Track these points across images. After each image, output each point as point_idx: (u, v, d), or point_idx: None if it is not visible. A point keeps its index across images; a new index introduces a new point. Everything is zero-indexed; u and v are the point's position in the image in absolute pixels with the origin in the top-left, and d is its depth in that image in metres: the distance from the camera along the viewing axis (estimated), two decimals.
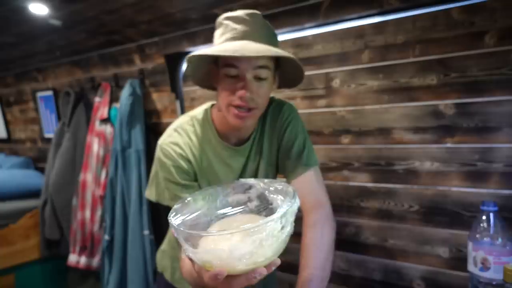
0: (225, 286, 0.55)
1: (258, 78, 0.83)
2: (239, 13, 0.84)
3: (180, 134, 0.95)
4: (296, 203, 0.56)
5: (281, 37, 1.52)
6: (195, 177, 0.95)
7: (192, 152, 0.94)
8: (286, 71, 0.90)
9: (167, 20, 1.66)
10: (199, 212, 0.64)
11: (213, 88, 0.97)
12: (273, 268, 0.55)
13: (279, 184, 0.64)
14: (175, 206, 0.62)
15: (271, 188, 0.65)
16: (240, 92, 0.81)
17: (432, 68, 1.22)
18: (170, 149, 0.92)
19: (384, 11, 1.25)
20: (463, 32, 1.16)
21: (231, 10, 1.06)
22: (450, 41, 1.18)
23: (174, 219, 0.57)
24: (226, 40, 0.83)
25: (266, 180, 0.67)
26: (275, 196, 0.64)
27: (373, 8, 1.25)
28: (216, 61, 0.87)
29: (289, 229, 0.56)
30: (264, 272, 0.54)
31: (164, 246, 1.19)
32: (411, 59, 1.26)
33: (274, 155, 1.02)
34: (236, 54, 0.75)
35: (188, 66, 0.88)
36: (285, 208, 0.54)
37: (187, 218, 0.61)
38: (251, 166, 1.00)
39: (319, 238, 0.94)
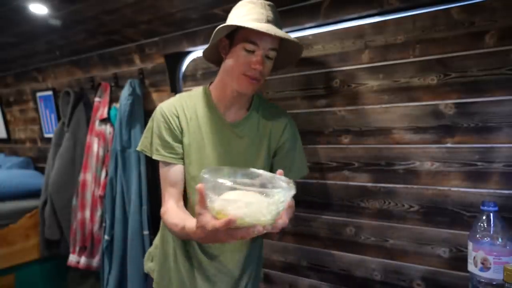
0: (228, 235, 0.71)
1: (268, 57, 1.02)
2: (261, 1, 1.02)
3: (178, 98, 1.12)
4: (293, 191, 0.71)
5: None
6: (180, 138, 1.08)
7: (184, 112, 1.09)
8: (279, 56, 1.09)
9: (167, 20, 1.66)
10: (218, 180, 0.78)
11: (214, 61, 1.16)
12: (264, 231, 0.69)
13: (281, 178, 0.79)
14: (206, 170, 0.73)
15: (274, 180, 0.79)
16: (256, 66, 0.98)
17: (432, 68, 1.22)
18: (166, 109, 1.08)
19: (384, 11, 1.25)
20: (463, 32, 1.16)
21: (231, 10, 1.07)
22: (450, 41, 1.18)
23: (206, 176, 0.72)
24: (252, 20, 0.98)
25: (271, 174, 0.81)
26: (276, 184, 0.78)
27: (373, 8, 1.25)
28: (230, 34, 1.02)
29: (284, 205, 0.70)
30: (261, 230, 0.68)
31: (152, 248, 1.28)
32: (411, 59, 1.26)
33: (264, 149, 1.15)
34: (270, 32, 0.94)
35: (215, 34, 1.00)
36: (289, 188, 0.71)
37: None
38: (239, 143, 1.11)
39: None
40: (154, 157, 1.08)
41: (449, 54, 1.19)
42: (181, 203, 1.08)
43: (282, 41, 1.04)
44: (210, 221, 0.72)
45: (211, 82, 1.15)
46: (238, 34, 1.00)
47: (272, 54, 1.02)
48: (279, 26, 1.03)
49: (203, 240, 0.82)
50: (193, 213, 1.12)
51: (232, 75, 1.03)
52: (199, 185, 0.71)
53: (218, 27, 0.97)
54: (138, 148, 1.14)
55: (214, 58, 1.15)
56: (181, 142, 1.09)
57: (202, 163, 1.09)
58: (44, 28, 1.80)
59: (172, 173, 1.08)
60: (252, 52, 0.99)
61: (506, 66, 1.10)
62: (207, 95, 1.12)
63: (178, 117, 1.08)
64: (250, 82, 1.01)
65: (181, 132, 1.08)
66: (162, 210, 1.05)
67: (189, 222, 0.89)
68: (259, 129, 1.14)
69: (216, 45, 1.07)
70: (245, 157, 1.12)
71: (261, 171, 0.83)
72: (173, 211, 1.02)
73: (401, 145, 1.31)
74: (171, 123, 1.07)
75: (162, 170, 1.09)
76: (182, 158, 1.09)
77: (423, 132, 1.26)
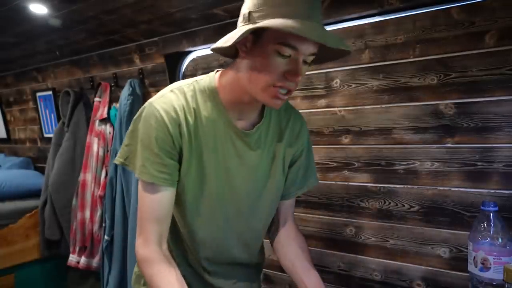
0: None
1: (305, 63, 0.77)
2: None
3: (176, 95, 0.82)
4: None
5: None
6: (180, 152, 0.83)
7: (185, 116, 0.81)
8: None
9: (167, 20, 1.66)
10: None
11: (226, 52, 0.85)
12: None
13: None
14: None
15: None
16: (294, 77, 0.74)
17: (432, 68, 1.22)
18: (161, 110, 0.79)
19: (384, 11, 1.25)
20: (463, 32, 1.16)
21: (231, 10, 1.06)
22: (450, 41, 1.18)
23: None
24: (292, 14, 0.70)
25: None
26: None
27: (373, 8, 1.25)
28: (257, 30, 0.73)
29: None
30: None
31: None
32: (411, 59, 1.26)
33: (281, 161, 0.94)
34: (326, 42, 0.68)
35: (242, 33, 0.72)
36: None
37: None
38: (252, 155, 0.89)
39: (303, 241, 1.02)
40: (139, 175, 0.80)
41: (449, 54, 1.19)
42: (165, 246, 0.84)
43: None
44: None
45: (217, 70, 0.88)
46: (269, 31, 0.72)
47: (311, 59, 0.77)
48: (321, 18, 0.76)
49: None
50: (174, 244, 0.95)
51: (256, 83, 0.76)
52: None
53: (250, 27, 0.71)
54: (116, 161, 0.86)
55: (226, 50, 0.82)
56: (178, 160, 0.83)
57: (207, 179, 0.86)
58: (44, 28, 1.80)
59: (160, 203, 0.81)
60: (288, 56, 0.73)
61: (506, 66, 1.10)
62: (214, 95, 0.84)
63: (179, 125, 0.80)
64: (280, 97, 0.77)
65: (181, 146, 0.82)
66: (141, 252, 0.81)
67: None
68: (274, 138, 0.93)
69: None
70: (258, 171, 0.91)
71: None
72: (158, 264, 0.79)
73: (401, 145, 1.31)
74: (169, 133, 0.79)
75: (145, 196, 0.81)
76: (176, 180, 0.84)
77: (423, 132, 1.26)
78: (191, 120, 0.82)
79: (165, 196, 0.82)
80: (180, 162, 0.83)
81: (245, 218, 0.93)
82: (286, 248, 0.99)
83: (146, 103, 0.83)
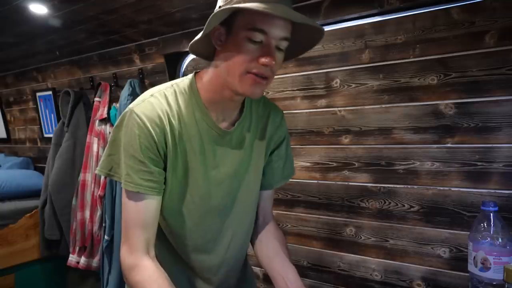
0: None
1: (279, 49, 0.76)
2: None
3: (158, 100, 0.80)
4: None
5: None
6: (164, 159, 0.81)
7: (169, 121, 0.79)
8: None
9: (167, 20, 1.66)
10: None
11: (204, 54, 0.87)
12: None
13: None
14: None
15: None
16: (266, 60, 0.73)
17: (432, 68, 1.22)
18: (144, 116, 0.76)
19: (384, 11, 1.25)
20: (463, 32, 1.16)
21: None
22: (450, 41, 1.18)
23: None
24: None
25: None
26: None
27: (373, 8, 1.25)
28: (226, 20, 0.75)
29: None
30: None
31: None
32: (411, 59, 1.26)
33: (263, 153, 0.94)
34: (289, 17, 0.70)
35: (210, 20, 0.74)
36: None
37: None
38: (237, 153, 0.89)
39: (282, 241, 1.00)
40: (124, 185, 0.77)
41: (449, 54, 1.19)
42: (153, 253, 0.80)
43: (293, 25, 0.77)
44: None
45: (196, 72, 0.87)
46: (239, 19, 0.74)
47: (285, 44, 0.76)
48: (290, 4, 0.76)
49: None
50: (161, 252, 0.89)
51: (233, 74, 0.76)
52: None
53: (217, 10, 0.72)
54: (99, 172, 0.82)
55: (205, 50, 0.86)
56: (163, 167, 0.81)
57: (193, 182, 0.84)
58: (44, 28, 1.80)
59: (146, 210, 0.78)
60: (259, 42, 0.73)
61: (506, 66, 1.10)
62: (195, 95, 0.83)
63: (164, 131, 0.78)
64: (257, 81, 0.75)
65: (165, 152, 0.80)
66: (127, 260, 0.77)
67: None
68: (256, 134, 0.92)
69: (208, 35, 0.80)
70: (242, 168, 0.90)
71: None
72: (146, 270, 0.75)
73: (401, 145, 1.31)
74: (154, 140, 0.77)
75: (130, 203, 0.78)
76: (162, 188, 0.82)
77: (423, 132, 1.26)
78: (175, 124, 0.80)
79: (151, 204, 0.79)
80: (165, 168, 0.82)
81: (233, 216, 0.92)
82: (266, 244, 1.00)
83: (127, 109, 0.79)
